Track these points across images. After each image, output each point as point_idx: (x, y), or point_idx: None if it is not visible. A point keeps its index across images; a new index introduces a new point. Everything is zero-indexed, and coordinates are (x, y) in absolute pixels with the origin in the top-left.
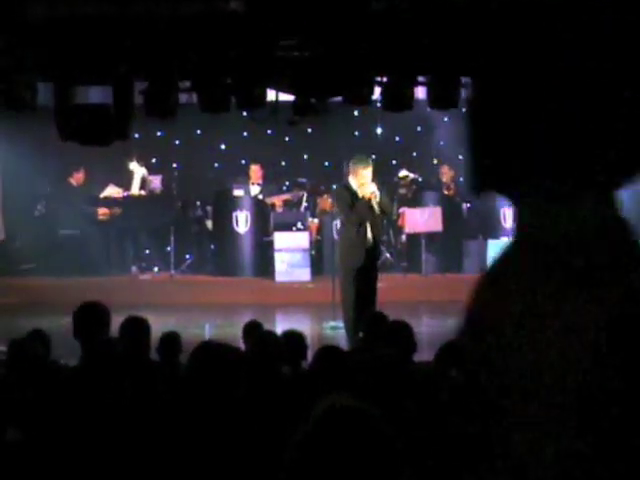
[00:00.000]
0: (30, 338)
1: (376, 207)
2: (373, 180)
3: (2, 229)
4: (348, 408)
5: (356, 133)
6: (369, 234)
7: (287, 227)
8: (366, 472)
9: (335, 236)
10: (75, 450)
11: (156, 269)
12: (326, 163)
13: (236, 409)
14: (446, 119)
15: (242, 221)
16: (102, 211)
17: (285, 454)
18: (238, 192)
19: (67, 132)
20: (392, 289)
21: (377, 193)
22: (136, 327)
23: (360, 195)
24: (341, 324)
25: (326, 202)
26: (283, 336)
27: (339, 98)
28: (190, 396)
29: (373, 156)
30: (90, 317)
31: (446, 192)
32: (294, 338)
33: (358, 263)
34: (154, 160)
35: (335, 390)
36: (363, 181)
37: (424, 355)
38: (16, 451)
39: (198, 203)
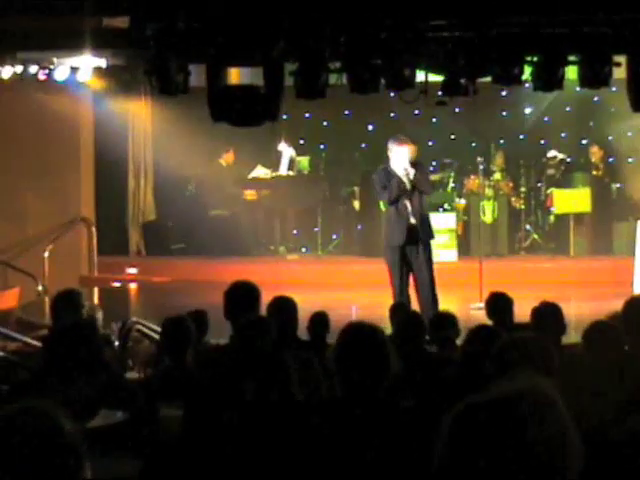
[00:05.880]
0: (187, 318)
1: (407, 184)
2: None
3: (154, 209)
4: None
5: (504, 113)
6: (408, 209)
7: (434, 208)
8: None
9: (482, 217)
10: (227, 426)
11: (303, 249)
12: (473, 143)
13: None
14: (596, 99)
15: None
16: (248, 192)
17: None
18: None
19: (219, 113)
20: (540, 270)
21: (410, 171)
22: (283, 306)
23: (395, 173)
24: None
25: (474, 182)
26: (432, 317)
27: (488, 78)
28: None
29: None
30: (242, 296)
31: (595, 173)
32: (443, 319)
33: (399, 241)
34: (302, 141)
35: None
36: (398, 159)
37: (572, 338)
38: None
39: (345, 184)
